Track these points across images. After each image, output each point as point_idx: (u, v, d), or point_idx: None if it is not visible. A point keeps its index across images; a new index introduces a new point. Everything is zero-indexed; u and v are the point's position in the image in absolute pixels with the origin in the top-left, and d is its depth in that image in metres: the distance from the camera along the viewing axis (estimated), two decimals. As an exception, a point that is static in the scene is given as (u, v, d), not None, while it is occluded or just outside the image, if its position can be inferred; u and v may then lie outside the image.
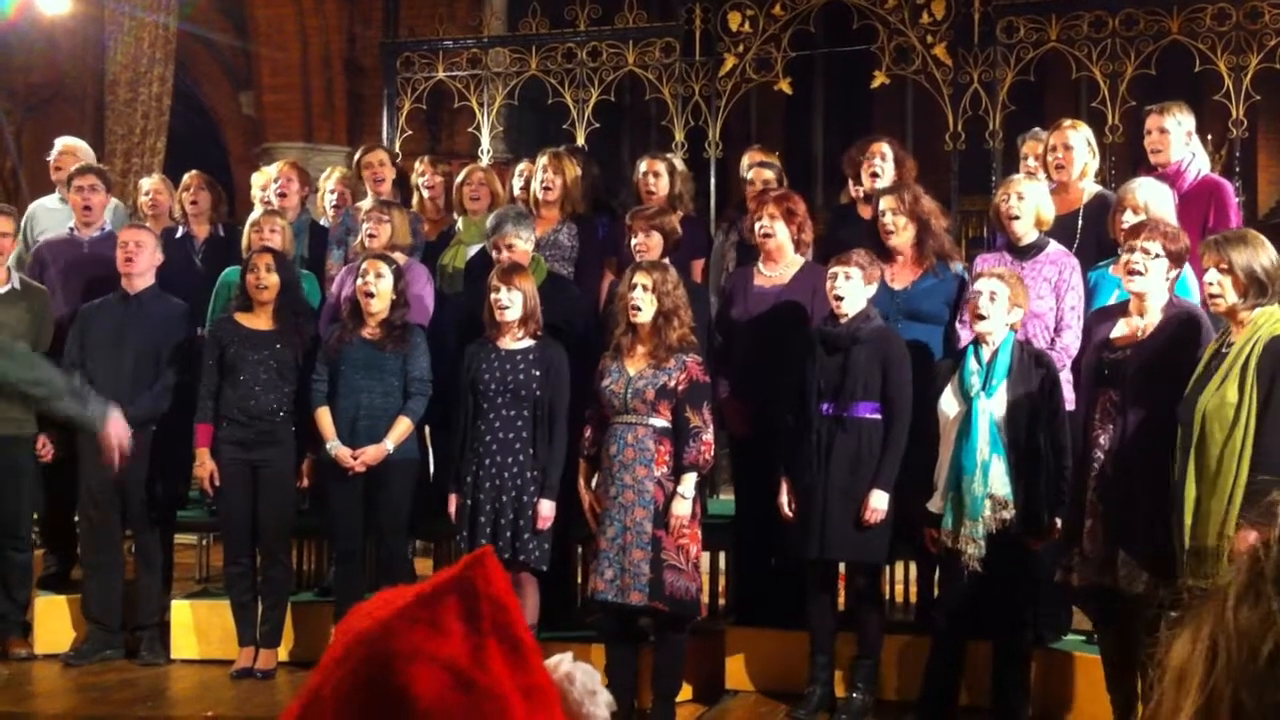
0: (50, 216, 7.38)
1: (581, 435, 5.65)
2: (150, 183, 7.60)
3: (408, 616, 0.90)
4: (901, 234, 5.80)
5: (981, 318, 5.16)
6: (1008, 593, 5.21)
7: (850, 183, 6.78)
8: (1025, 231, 5.66)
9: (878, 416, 5.43)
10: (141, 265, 6.47)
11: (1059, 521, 5.09)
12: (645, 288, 5.43)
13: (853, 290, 5.44)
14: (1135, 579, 4.76)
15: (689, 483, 5.37)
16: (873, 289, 5.53)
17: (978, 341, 5.22)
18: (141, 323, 6.48)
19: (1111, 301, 5.32)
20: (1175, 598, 4.39)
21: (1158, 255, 4.89)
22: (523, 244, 6.07)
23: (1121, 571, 4.80)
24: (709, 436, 5.43)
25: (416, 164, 7.38)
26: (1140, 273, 4.89)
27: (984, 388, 5.13)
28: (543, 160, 6.71)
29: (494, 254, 6.09)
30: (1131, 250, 4.93)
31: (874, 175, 6.31)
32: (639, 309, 5.43)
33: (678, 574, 5.34)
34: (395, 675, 0.88)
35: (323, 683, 0.93)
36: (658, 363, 5.42)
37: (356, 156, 7.53)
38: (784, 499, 5.56)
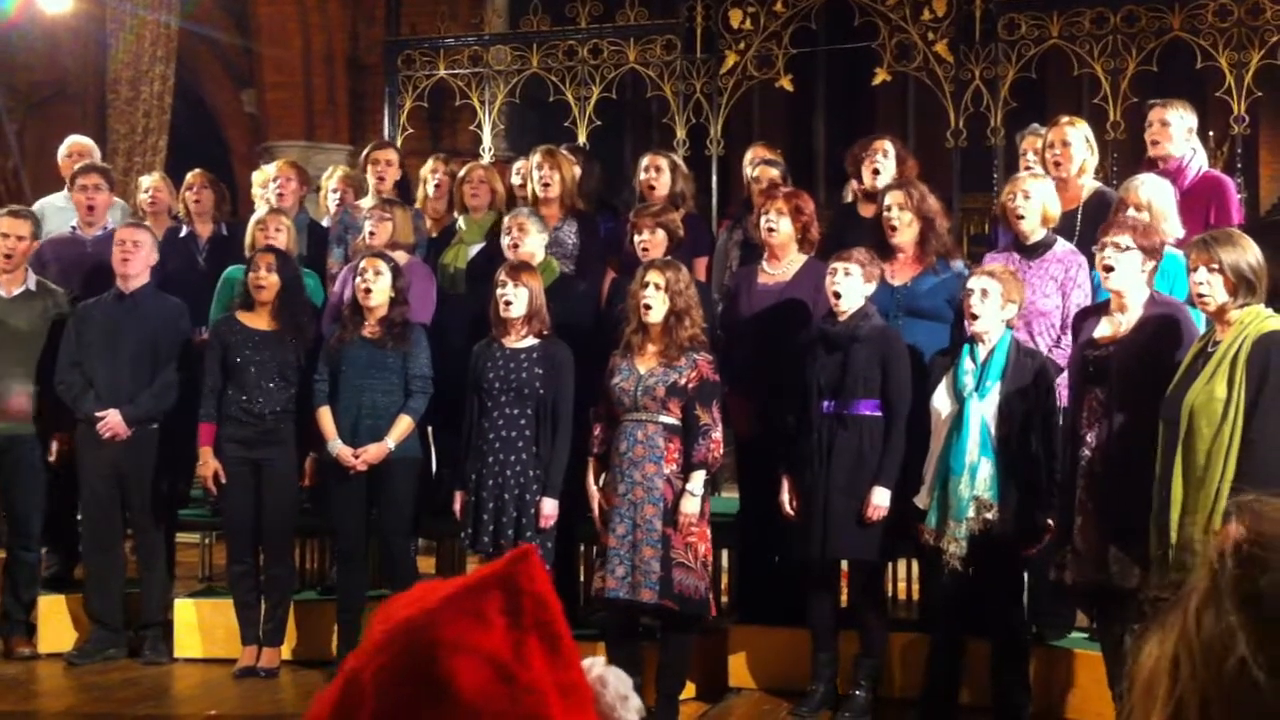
0: (59, 215, 7.38)
1: (589, 433, 5.65)
2: (150, 181, 7.60)
3: (453, 608, 0.91)
4: (905, 231, 5.80)
5: (975, 317, 5.16)
6: (996, 592, 5.21)
7: (852, 181, 6.78)
8: (1032, 230, 5.66)
9: (879, 414, 5.43)
10: (137, 265, 6.47)
11: (1049, 524, 5.10)
12: (657, 286, 5.42)
13: (852, 287, 5.44)
14: (1128, 574, 4.78)
15: (698, 480, 5.37)
16: (872, 287, 5.53)
17: (973, 340, 5.22)
18: (137, 321, 6.47)
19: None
20: (1161, 596, 4.43)
21: (1128, 248, 4.91)
22: (534, 234, 6.08)
23: (1114, 568, 4.82)
24: (718, 435, 5.43)
25: (430, 161, 7.37)
26: (1113, 268, 4.92)
27: (977, 388, 5.13)
28: (535, 159, 6.70)
29: (505, 236, 6.10)
30: (1103, 248, 4.96)
31: (875, 172, 6.30)
32: (650, 307, 5.42)
33: (687, 572, 5.34)
34: (438, 665, 0.89)
35: (363, 668, 0.93)
36: (668, 361, 5.42)
37: (365, 152, 7.52)
38: (785, 497, 5.56)
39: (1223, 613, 0.93)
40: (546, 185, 6.61)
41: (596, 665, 1.04)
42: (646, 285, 5.43)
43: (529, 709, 0.89)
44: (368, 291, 6.03)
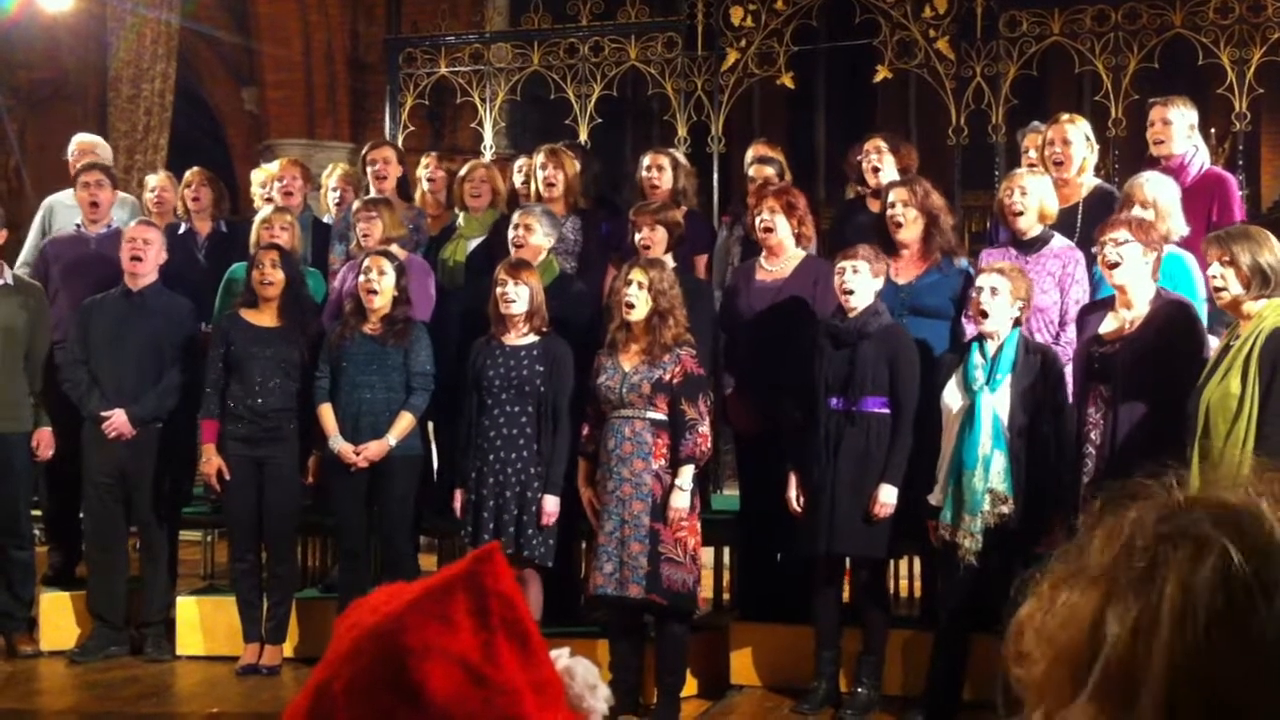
0: (69, 212, 7.37)
1: (579, 432, 5.66)
2: (156, 180, 7.60)
3: (419, 611, 0.91)
4: (910, 227, 5.79)
5: (985, 314, 5.15)
6: (1008, 587, 5.20)
7: (852, 184, 6.80)
8: (1029, 226, 5.66)
9: (886, 411, 5.43)
10: (148, 265, 6.48)
11: (1063, 518, 5.10)
12: (641, 284, 5.43)
13: (862, 284, 5.45)
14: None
15: (686, 475, 5.38)
16: (880, 282, 5.53)
17: (982, 336, 5.22)
18: (144, 319, 6.48)
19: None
20: None
21: (1126, 241, 4.92)
22: (539, 234, 6.09)
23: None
24: (705, 428, 5.43)
25: (423, 158, 7.39)
26: (1117, 263, 4.92)
27: (987, 382, 5.13)
28: (540, 157, 6.71)
29: (511, 232, 6.10)
30: (1102, 246, 4.97)
31: (875, 170, 6.32)
32: (633, 305, 5.43)
33: (675, 567, 5.35)
34: (410, 670, 0.88)
35: (332, 678, 0.93)
36: (652, 358, 5.43)
37: (363, 153, 7.53)
38: (793, 493, 5.56)
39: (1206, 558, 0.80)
40: (550, 184, 6.62)
41: (562, 656, 1.04)
42: (630, 283, 5.44)
43: (502, 710, 0.89)
44: (372, 292, 6.03)
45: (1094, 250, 5.12)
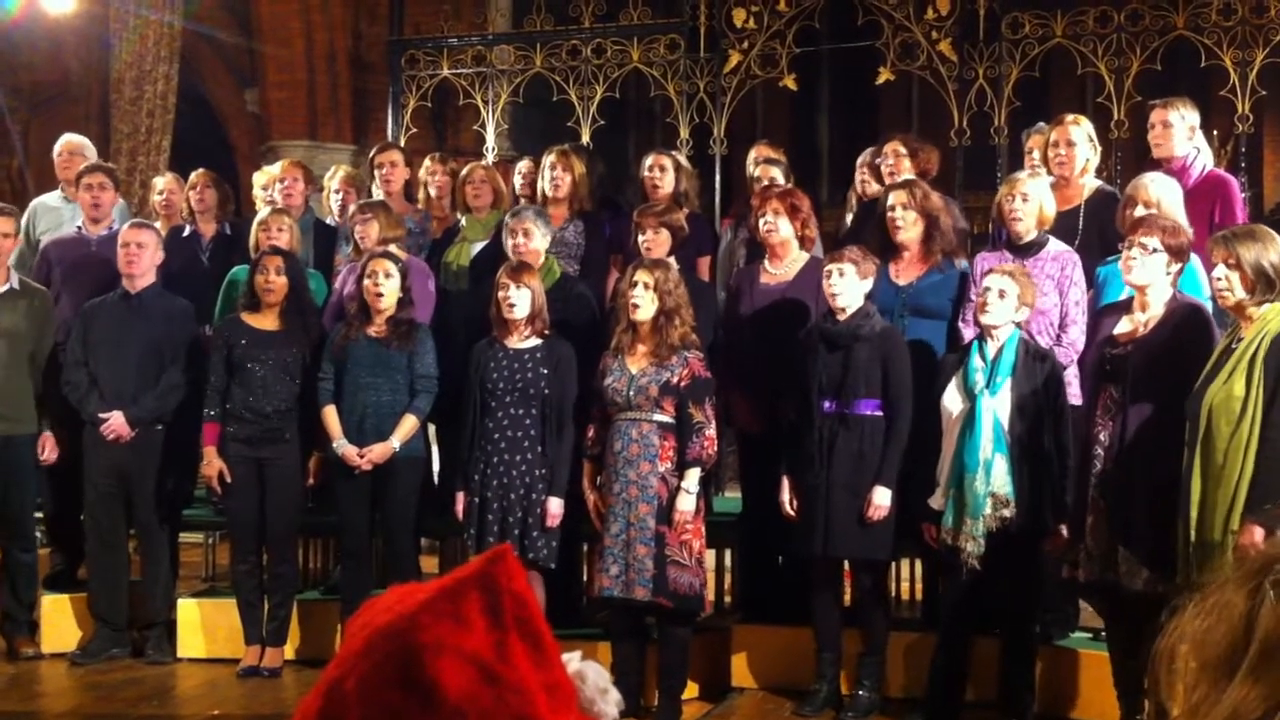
0: (51, 215, 7.36)
1: (584, 434, 5.65)
2: (164, 182, 7.59)
3: (432, 610, 0.90)
4: (909, 229, 5.80)
5: (988, 311, 5.15)
6: (1011, 590, 5.21)
7: (860, 183, 6.78)
8: (1027, 231, 5.66)
9: (880, 413, 5.43)
10: (143, 266, 6.47)
11: (1063, 520, 5.09)
12: (646, 285, 5.43)
13: (848, 287, 5.45)
14: (1135, 575, 4.77)
15: (693, 478, 5.37)
16: (869, 283, 5.52)
17: (983, 338, 5.22)
18: (144, 321, 6.48)
19: (1122, 297, 5.31)
20: (1177, 593, 4.40)
21: (1155, 250, 4.91)
22: (538, 237, 6.08)
23: (1122, 568, 4.81)
24: (712, 431, 5.43)
25: (425, 161, 7.38)
26: (1142, 264, 4.91)
27: (988, 385, 5.13)
28: (550, 158, 6.71)
29: (508, 239, 6.10)
30: (1130, 245, 4.95)
31: (892, 175, 6.31)
32: (639, 306, 5.43)
33: (681, 569, 5.35)
34: (423, 668, 0.88)
35: (345, 675, 0.92)
36: (660, 360, 5.42)
37: (370, 155, 7.53)
38: (785, 497, 5.55)
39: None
40: (557, 186, 6.62)
41: (574, 660, 1.04)
42: (635, 284, 5.44)
43: (515, 709, 0.88)
44: (379, 295, 6.03)
45: (1120, 246, 5.09)
